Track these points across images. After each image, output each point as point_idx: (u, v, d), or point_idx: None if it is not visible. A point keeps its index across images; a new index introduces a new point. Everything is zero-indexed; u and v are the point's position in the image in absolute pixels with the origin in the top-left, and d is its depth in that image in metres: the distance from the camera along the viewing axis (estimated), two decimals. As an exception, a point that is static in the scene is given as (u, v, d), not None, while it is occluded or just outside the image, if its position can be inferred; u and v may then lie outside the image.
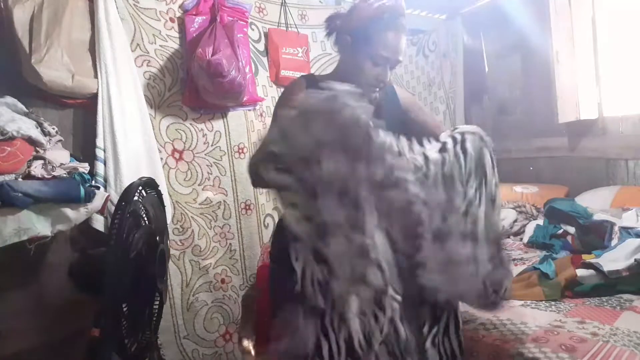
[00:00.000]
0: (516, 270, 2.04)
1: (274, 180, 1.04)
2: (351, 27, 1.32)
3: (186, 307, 2.14)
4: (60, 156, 1.60)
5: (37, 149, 1.52)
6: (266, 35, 2.50)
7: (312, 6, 2.71)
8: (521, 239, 2.66)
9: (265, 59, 2.50)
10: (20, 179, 1.44)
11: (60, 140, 1.68)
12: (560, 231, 2.42)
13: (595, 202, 2.60)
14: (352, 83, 1.27)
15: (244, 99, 2.24)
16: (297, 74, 2.53)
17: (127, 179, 1.82)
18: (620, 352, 1.28)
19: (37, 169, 1.49)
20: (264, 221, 2.44)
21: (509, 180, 3.44)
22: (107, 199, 1.70)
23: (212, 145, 2.25)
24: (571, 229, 2.36)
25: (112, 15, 1.88)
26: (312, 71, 2.66)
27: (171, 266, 2.07)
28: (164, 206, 1.62)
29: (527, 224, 2.73)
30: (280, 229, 1.32)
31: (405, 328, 1.14)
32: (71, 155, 1.70)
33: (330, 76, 1.41)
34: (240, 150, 2.34)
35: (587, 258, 1.86)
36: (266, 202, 2.45)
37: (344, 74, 1.35)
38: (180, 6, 2.15)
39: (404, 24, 1.31)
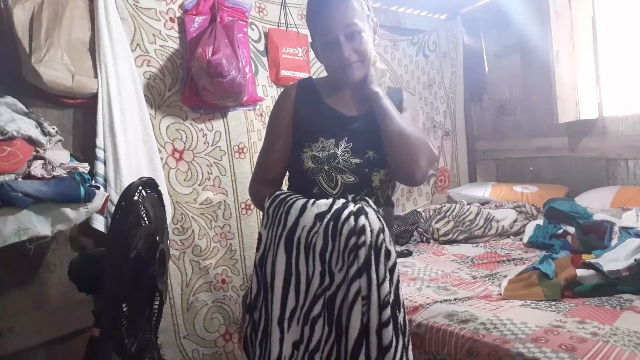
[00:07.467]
0: (516, 270, 2.04)
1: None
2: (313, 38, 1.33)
3: (186, 307, 2.14)
4: (60, 156, 1.60)
5: (37, 149, 1.52)
6: (266, 35, 2.50)
7: (312, 6, 2.71)
8: (521, 239, 2.66)
9: (265, 59, 2.50)
10: (20, 179, 1.43)
11: (60, 140, 1.68)
12: (560, 231, 2.42)
13: (595, 202, 2.61)
14: (334, 76, 1.34)
15: (244, 99, 2.23)
16: (297, 74, 2.55)
17: (127, 179, 1.82)
18: (620, 352, 1.28)
19: (37, 169, 1.49)
20: (264, 221, 2.44)
21: (509, 180, 3.45)
22: (107, 199, 1.70)
23: (212, 145, 2.25)
24: (571, 229, 2.36)
25: (112, 15, 1.88)
26: (311, 71, 2.67)
27: (171, 266, 2.07)
28: (164, 206, 1.62)
29: (527, 224, 2.74)
30: None
31: None
32: (71, 155, 1.70)
33: (324, 79, 1.42)
34: (241, 150, 2.35)
35: (587, 258, 1.86)
36: (266, 202, 2.45)
37: (328, 73, 1.38)
38: (180, 6, 2.15)
39: None
